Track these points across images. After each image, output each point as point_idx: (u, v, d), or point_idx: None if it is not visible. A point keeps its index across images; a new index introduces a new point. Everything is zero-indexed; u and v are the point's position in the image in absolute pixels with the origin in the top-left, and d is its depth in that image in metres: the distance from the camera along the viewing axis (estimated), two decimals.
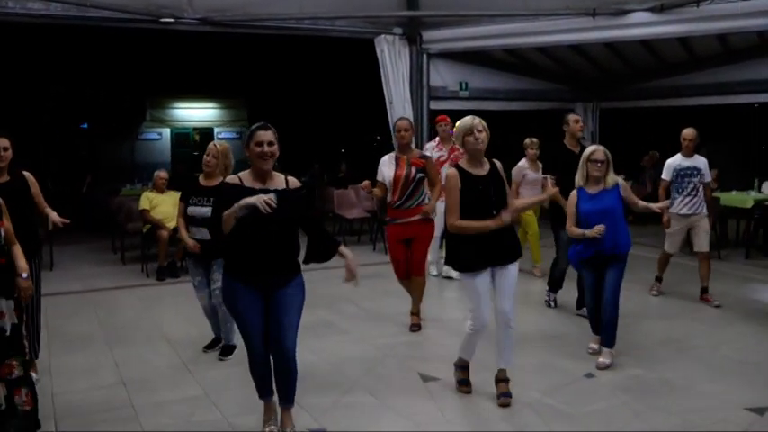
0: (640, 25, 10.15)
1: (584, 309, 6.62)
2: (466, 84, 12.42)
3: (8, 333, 4.13)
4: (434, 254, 8.76)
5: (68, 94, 19.33)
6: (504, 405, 4.81)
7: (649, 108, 14.35)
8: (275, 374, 4.32)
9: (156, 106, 22.14)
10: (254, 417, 4.53)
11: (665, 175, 7.69)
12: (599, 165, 5.54)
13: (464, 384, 5.13)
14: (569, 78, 14.02)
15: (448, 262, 5.10)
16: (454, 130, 4.92)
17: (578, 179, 5.71)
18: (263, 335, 4.22)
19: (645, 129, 16.56)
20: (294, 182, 4.26)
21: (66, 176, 18.24)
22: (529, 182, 8.79)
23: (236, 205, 3.88)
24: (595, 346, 5.87)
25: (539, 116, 13.64)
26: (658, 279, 8.09)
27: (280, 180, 4.22)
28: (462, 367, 5.17)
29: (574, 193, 5.71)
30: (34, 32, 12.02)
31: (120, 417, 4.77)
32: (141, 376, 5.57)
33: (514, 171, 8.81)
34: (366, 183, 6.52)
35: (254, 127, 4.19)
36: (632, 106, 14.39)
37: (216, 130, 22.71)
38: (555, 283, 7.50)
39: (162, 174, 9.77)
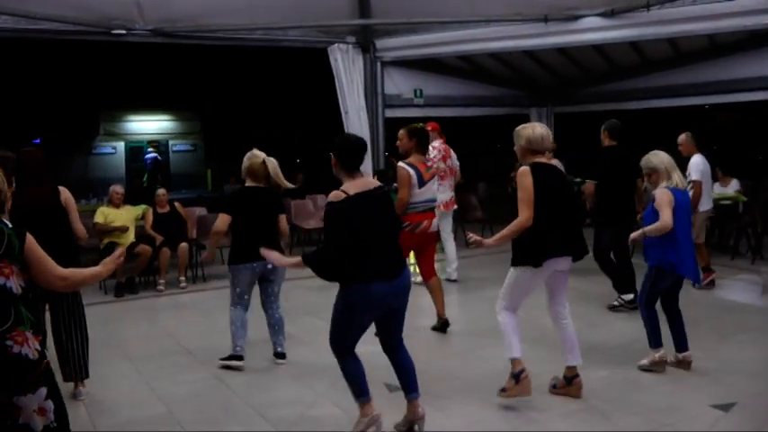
0: (592, 30, 10.31)
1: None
2: (421, 91, 12.46)
3: None
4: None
5: (20, 109, 18.93)
6: None
7: (604, 111, 14.53)
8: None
9: (109, 120, 21.81)
10: None
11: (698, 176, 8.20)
12: None
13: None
14: (524, 84, 14.18)
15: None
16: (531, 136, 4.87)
17: (667, 178, 5.40)
18: None
19: (600, 133, 16.71)
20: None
21: None
22: None
23: None
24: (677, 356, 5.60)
25: (494, 122, 13.74)
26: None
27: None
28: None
29: (666, 189, 5.34)
30: None
31: None
32: (104, 396, 5.47)
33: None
34: None
35: None
36: (585, 110, 14.56)
37: (170, 143, 22.45)
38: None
39: (117, 188, 9.55)
